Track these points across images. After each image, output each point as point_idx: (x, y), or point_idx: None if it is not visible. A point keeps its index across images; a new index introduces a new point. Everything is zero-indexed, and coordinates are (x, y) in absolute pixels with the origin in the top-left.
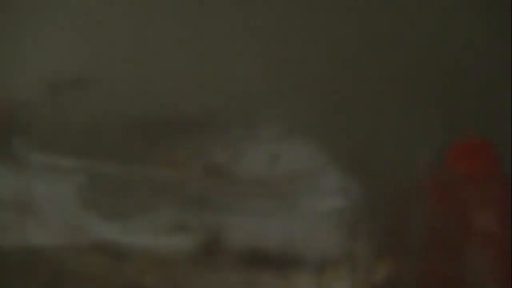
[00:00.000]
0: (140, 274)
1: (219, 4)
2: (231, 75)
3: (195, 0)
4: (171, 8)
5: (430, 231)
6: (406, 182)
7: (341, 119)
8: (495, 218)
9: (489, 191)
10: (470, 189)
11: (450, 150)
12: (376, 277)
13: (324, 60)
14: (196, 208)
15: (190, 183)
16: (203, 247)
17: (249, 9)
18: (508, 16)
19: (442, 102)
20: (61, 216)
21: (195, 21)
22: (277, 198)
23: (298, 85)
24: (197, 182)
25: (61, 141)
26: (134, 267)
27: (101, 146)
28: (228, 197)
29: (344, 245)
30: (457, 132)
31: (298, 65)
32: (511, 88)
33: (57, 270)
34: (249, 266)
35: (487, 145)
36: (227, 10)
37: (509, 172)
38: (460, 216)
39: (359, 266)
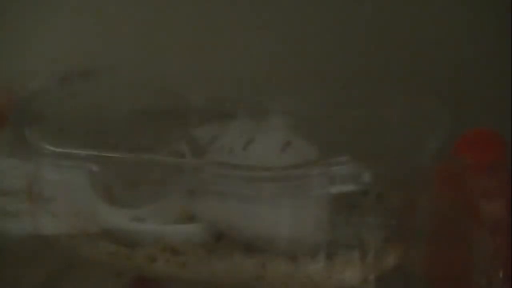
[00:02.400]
0: (150, 262)
1: None
2: (239, 63)
3: None
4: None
5: (438, 218)
6: (415, 170)
7: (351, 107)
8: (502, 205)
9: (496, 179)
10: (478, 177)
11: (458, 139)
12: (385, 263)
13: (333, 50)
14: (205, 196)
15: (199, 171)
16: (213, 235)
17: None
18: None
19: (451, 91)
20: (72, 205)
21: (202, 10)
22: (288, 185)
23: (307, 74)
24: (206, 170)
25: (72, 130)
26: (144, 254)
27: (111, 135)
28: (238, 185)
29: (354, 232)
30: (465, 121)
31: (307, 55)
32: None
33: (68, 258)
34: (258, 252)
35: (495, 134)
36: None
37: None
38: (467, 203)
39: (369, 252)
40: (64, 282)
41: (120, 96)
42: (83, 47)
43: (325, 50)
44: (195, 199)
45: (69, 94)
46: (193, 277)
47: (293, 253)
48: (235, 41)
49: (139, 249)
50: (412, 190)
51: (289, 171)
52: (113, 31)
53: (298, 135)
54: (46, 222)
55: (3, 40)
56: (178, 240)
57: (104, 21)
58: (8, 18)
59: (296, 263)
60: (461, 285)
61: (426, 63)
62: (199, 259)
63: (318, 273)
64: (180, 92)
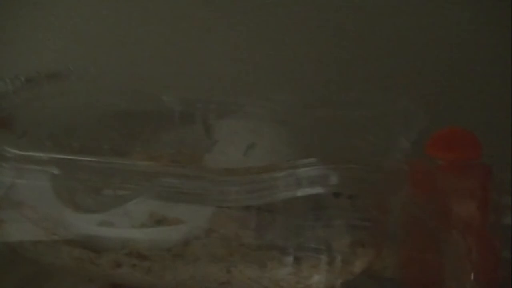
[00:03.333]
0: (115, 267)
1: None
2: (209, 65)
3: None
4: (152, 3)
5: (410, 219)
6: (386, 170)
7: (321, 108)
8: (474, 207)
9: (468, 179)
10: (450, 178)
11: (431, 139)
12: (354, 267)
13: (305, 50)
14: (173, 200)
15: (167, 175)
16: (181, 239)
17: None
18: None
19: (424, 92)
20: (38, 210)
21: (174, 14)
22: (254, 187)
23: (278, 75)
24: (174, 173)
25: (38, 133)
26: (109, 259)
27: (78, 139)
28: (204, 188)
29: (322, 236)
30: (438, 121)
31: (278, 56)
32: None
33: (35, 264)
34: (226, 256)
35: (468, 134)
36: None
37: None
38: (439, 204)
39: (337, 256)
40: None
41: (89, 99)
42: (51, 52)
43: (297, 51)
44: (163, 203)
45: (36, 96)
46: (158, 283)
47: (259, 258)
48: (206, 43)
49: (104, 254)
50: (384, 191)
51: (255, 174)
52: (84, 36)
53: (265, 137)
54: (13, 228)
55: None
56: (145, 245)
57: (74, 27)
58: None
59: (263, 268)
60: (433, 287)
61: (399, 63)
62: (164, 264)
63: (285, 278)
64: (151, 94)
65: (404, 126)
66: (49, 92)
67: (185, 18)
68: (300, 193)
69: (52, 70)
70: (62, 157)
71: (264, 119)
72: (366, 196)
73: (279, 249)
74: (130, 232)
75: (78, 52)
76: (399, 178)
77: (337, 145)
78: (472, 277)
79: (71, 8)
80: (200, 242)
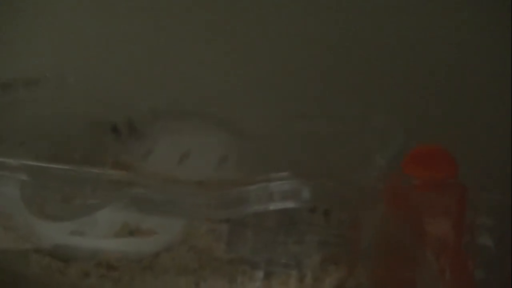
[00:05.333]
0: (83, 277)
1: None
2: (185, 75)
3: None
4: (130, 10)
5: (384, 237)
6: (361, 186)
7: (298, 122)
8: (448, 225)
9: (444, 198)
10: (425, 196)
11: (406, 156)
12: (324, 284)
13: (280, 63)
14: (144, 211)
15: (138, 185)
16: (152, 251)
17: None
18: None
19: (400, 109)
20: (6, 218)
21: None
22: (225, 201)
23: (252, 88)
24: (144, 184)
25: (11, 140)
26: (77, 269)
27: (50, 147)
28: (176, 200)
29: (293, 251)
30: (414, 139)
31: (253, 68)
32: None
33: (3, 274)
34: (193, 271)
35: (444, 152)
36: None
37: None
38: (414, 222)
39: (307, 273)
40: None
41: (61, 107)
42: (27, 58)
43: (273, 64)
44: (136, 214)
45: (11, 102)
46: None
47: (229, 272)
48: (181, 55)
49: (73, 264)
50: (358, 207)
51: (227, 187)
52: (61, 42)
53: (240, 150)
54: None
55: None
56: (115, 256)
57: (52, 33)
58: None
59: (233, 282)
60: None
61: (380, 78)
62: (133, 276)
63: None
64: (124, 104)
65: (380, 143)
66: (25, 99)
67: (163, 29)
68: (272, 207)
69: (29, 77)
70: (32, 164)
71: (240, 131)
72: (340, 213)
73: (250, 264)
74: (102, 242)
75: (51, 60)
76: (374, 195)
77: (311, 160)
78: None
79: (67, 12)
80: (170, 255)
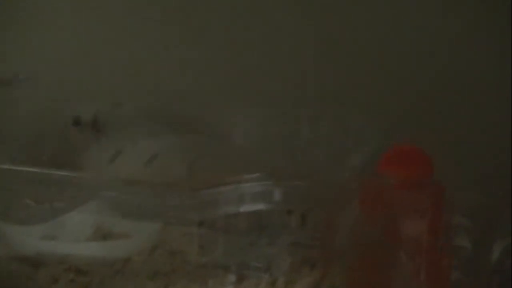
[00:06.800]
0: (51, 282)
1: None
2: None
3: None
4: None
5: (359, 237)
6: (335, 187)
7: (274, 124)
8: (423, 226)
9: (420, 198)
10: (401, 196)
11: (382, 156)
12: (297, 287)
13: (258, 64)
14: (114, 213)
15: (108, 187)
16: (124, 255)
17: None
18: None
19: (376, 109)
20: None
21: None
22: (196, 201)
23: (231, 90)
24: (114, 186)
25: None
26: (46, 274)
27: (18, 149)
28: (146, 201)
29: (264, 254)
30: (390, 139)
31: (233, 70)
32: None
33: None
34: (167, 273)
35: (419, 152)
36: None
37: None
38: (389, 223)
39: (279, 276)
40: None
41: (39, 107)
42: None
43: (250, 65)
44: (107, 217)
45: None
46: None
47: (204, 274)
48: (169, 54)
49: (42, 269)
50: (332, 208)
51: (198, 188)
52: (40, 41)
53: (213, 151)
54: None
55: None
56: (86, 260)
57: (31, 32)
58: None
59: (204, 286)
60: None
61: (358, 78)
62: (103, 280)
63: None
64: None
65: (355, 143)
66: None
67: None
68: (242, 209)
69: (1, 77)
70: (5, 167)
71: (214, 133)
72: (316, 215)
73: (223, 267)
74: (73, 247)
75: (31, 59)
76: (348, 195)
77: (286, 161)
78: None
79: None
80: (141, 258)
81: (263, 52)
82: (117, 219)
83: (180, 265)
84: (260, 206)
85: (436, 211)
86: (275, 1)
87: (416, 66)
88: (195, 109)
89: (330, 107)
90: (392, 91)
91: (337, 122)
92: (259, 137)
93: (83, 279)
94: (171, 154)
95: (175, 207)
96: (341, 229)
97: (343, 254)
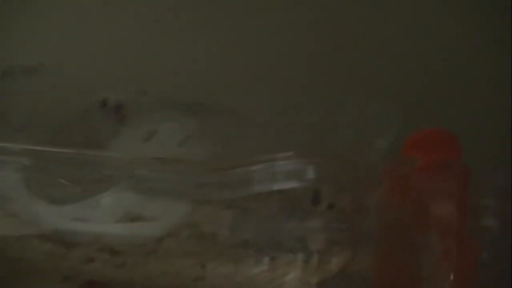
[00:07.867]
0: (86, 262)
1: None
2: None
3: None
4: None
5: (387, 220)
6: (363, 171)
7: (301, 108)
8: (452, 207)
9: (446, 180)
10: (427, 179)
11: (408, 139)
12: (330, 267)
13: (284, 52)
14: (147, 193)
15: (141, 167)
16: (155, 236)
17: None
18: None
19: (401, 93)
20: (7, 203)
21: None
22: (229, 180)
23: (257, 75)
24: (148, 165)
25: (11, 125)
26: (80, 254)
27: (47, 132)
28: (179, 180)
29: (296, 236)
30: (415, 121)
31: (258, 57)
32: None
33: (13, 262)
34: (199, 253)
35: (445, 134)
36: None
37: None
38: (416, 205)
39: (313, 255)
40: None
41: (61, 93)
42: (27, 47)
43: (275, 55)
44: (138, 198)
45: (10, 89)
46: (130, 278)
47: (236, 254)
48: (182, 40)
49: (75, 249)
50: (360, 189)
51: (231, 168)
52: (57, 32)
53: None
54: None
55: None
56: (118, 241)
57: (50, 23)
58: None
59: (238, 264)
60: None
61: (375, 64)
62: (137, 260)
63: (260, 276)
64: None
65: (379, 129)
66: (23, 86)
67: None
68: (275, 186)
69: (27, 65)
70: (34, 148)
71: (245, 119)
72: (346, 203)
73: (255, 248)
74: (104, 227)
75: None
76: (375, 177)
77: (311, 147)
78: (451, 278)
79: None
80: (174, 239)
81: (286, 42)
82: (149, 199)
83: (211, 246)
84: (292, 184)
85: (463, 192)
86: None
87: (438, 54)
88: (224, 96)
89: (352, 94)
90: (415, 78)
91: (359, 109)
92: (285, 123)
93: (117, 259)
94: (203, 135)
95: (208, 185)
96: (368, 212)
97: (370, 236)
